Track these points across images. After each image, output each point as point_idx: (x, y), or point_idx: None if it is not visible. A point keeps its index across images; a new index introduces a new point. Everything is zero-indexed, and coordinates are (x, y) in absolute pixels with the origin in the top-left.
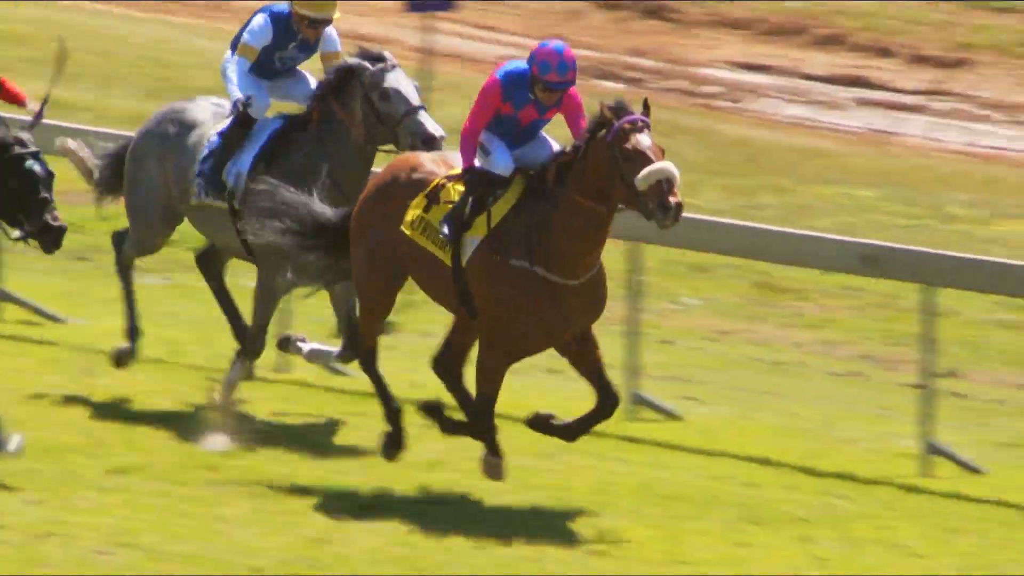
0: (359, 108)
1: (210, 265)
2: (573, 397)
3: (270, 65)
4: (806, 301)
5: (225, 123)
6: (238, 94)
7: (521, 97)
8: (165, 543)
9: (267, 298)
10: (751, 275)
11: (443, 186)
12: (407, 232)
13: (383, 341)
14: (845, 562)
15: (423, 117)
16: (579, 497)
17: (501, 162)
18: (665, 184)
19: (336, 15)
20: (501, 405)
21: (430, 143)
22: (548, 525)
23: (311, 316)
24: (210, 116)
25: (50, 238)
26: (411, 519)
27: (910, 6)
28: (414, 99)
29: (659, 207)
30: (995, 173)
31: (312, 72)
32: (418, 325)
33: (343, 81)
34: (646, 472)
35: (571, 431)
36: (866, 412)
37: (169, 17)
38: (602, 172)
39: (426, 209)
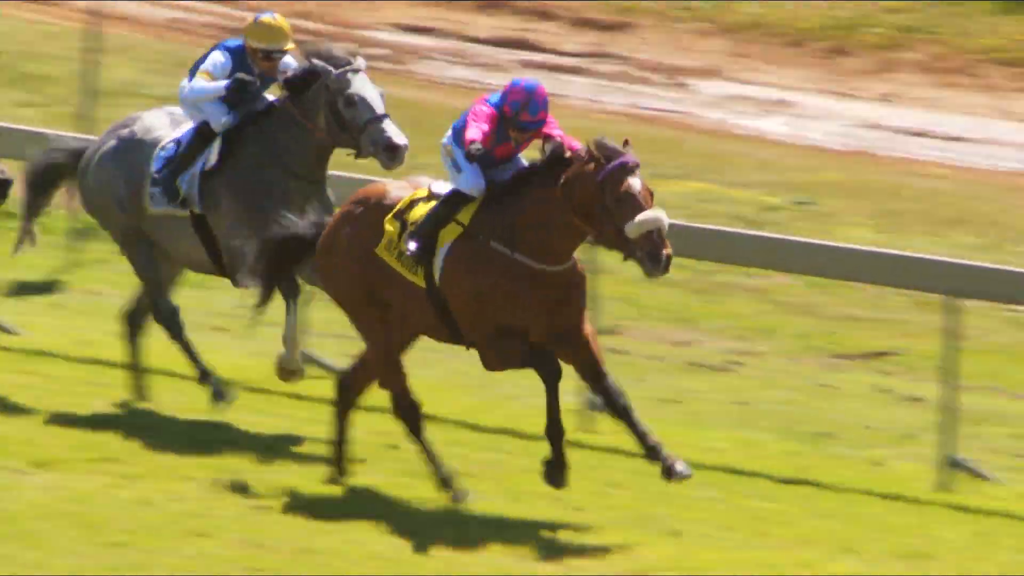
0: (322, 111)
1: (135, 323)
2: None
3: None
4: None
5: (183, 131)
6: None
7: (499, 136)
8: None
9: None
10: None
11: (412, 207)
12: (383, 256)
13: (50, 300)
14: (510, 515)
15: (387, 126)
16: None
17: (472, 182)
18: (656, 234)
19: (290, 44)
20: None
21: (392, 152)
22: None
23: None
24: (167, 124)
25: None
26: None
27: None
28: (379, 107)
29: (649, 258)
30: (656, 134)
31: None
32: (86, 283)
33: (306, 84)
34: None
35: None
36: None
37: None
38: (589, 206)
39: (398, 234)
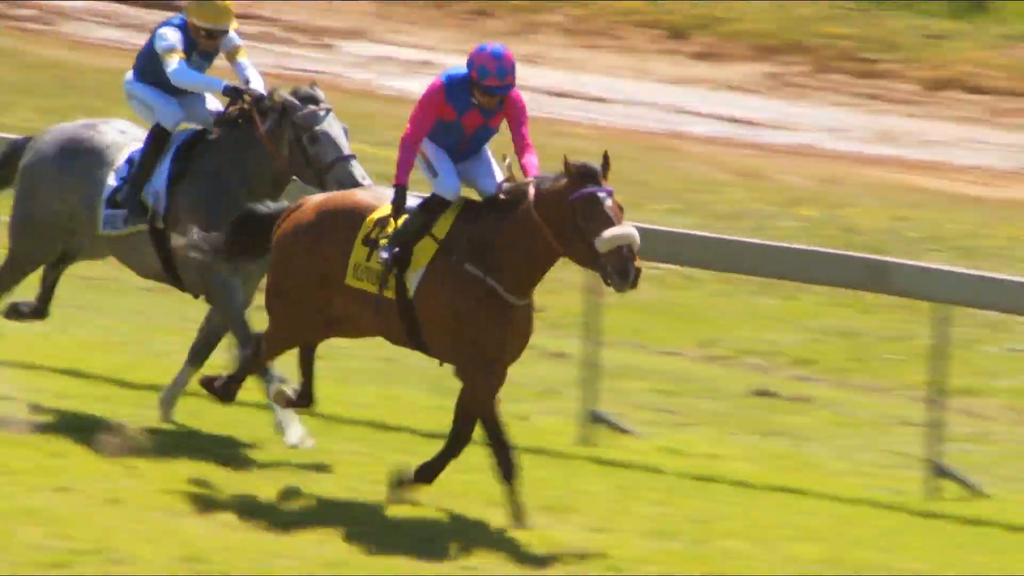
0: (286, 145)
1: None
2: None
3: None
4: None
5: (135, 147)
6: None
7: (463, 102)
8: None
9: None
10: None
11: (381, 227)
12: (352, 285)
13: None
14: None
15: (352, 166)
16: None
17: (448, 185)
18: (626, 249)
19: (234, 25)
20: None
21: None
22: None
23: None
24: (118, 141)
25: None
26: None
27: None
28: (344, 147)
29: (618, 273)
30: None
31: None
32: None
33: (276, 119)
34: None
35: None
36: (176, 326)
37: None
38: (559, 223)
39: (367, 257)
